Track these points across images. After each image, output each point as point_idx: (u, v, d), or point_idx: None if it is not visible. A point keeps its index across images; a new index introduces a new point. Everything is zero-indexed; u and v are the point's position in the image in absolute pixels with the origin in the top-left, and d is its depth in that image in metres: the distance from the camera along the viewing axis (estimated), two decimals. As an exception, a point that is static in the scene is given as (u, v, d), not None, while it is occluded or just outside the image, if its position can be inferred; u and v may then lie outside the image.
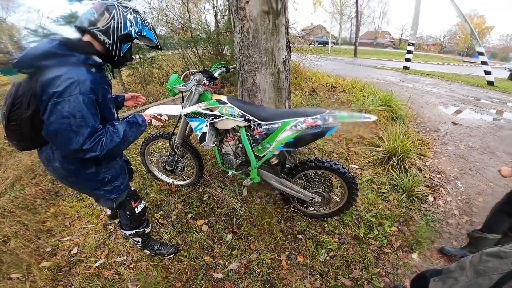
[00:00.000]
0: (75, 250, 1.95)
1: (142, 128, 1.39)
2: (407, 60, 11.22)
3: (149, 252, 1.91)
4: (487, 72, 8.80)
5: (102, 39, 1.12)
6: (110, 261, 1.88)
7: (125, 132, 1.22)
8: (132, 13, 1.19)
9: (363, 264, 1.93)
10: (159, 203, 2.29)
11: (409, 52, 11.21)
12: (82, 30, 1.14)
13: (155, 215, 2.21)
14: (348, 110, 1.94)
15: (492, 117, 4.97)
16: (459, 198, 2.73)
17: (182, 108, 1.89)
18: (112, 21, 1.12)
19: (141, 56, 4.82)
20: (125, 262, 1.90)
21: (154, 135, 2.24)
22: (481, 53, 8.89)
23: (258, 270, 1.86)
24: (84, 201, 2.49)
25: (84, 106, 1.03)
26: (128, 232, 1.70)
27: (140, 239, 1.77)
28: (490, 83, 8.72)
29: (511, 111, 5.49)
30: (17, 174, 2.71)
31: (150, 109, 2.14)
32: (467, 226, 2.37)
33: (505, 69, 19.00)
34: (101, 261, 1.88)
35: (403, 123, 3.29)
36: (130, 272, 1.82)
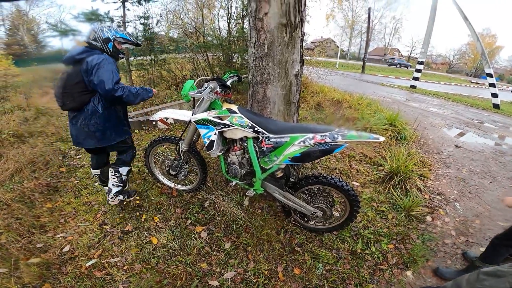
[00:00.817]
0: (67, 248, 1.92)
1: (150, 94, 1.99)
2: (415, 78, 11.23)
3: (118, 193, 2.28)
4: (494, 95, 8.77)
5: (95, 44, 1.89)
6: (102, 262, 1.85)
7: (138, 90, 1.91)
8: (105, 27, 1.94)
9: (358, 279, 1.93)
10: (158, 206, 2.30)
11: (418, 70, 11.19)
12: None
13: (153, 218, 2.22)
14: (356, 129, 1.95)
15: (495, 142, 4.98)
16: (457, 219, 2.73)
17: (192, 114, 1.91)
18: (95, 34, 1.88)
19: (153, 57, 4.87)
20: (118, 264, 1.88)
21: (161, 138, 2.26)
22: (489, 75, 8.86)
23: (254, 280, 1.86)
24: (82, 198, 2.49)
25: (112, 67, 1.81)
26: (125, 170, 2.23)
27: (126, 178, 2.26)
28: (496, 106, 8.71)
29: None
30: (18, 166, 2.71)
31: (160, 112, 2.16)
32: (463, 246, 2.38)
33: (511, 91, 19.04)
34: (93, 261, 1.85)
35: (407, 143, 3.31)
36: (123, 274, 1.80)
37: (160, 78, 5.04)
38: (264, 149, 1.74)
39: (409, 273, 2.05)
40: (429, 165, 3.20)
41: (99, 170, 2.32)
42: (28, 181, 2.53)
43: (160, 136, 2.26)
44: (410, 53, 48.11)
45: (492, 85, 8.78)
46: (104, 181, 2.34)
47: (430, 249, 2.28)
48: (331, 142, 1.60)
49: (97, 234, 2.10)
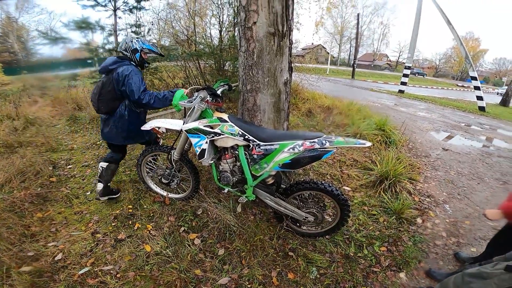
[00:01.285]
0: (59, 256, 1.90)
1: (167, 102, 2.08)
2: (403, 83, 11.52)
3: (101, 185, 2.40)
4: (479, 98, 9.06)
5: (125, 53, 2.15)
6: (95, 269, 1.83)
7: (165, 94, 2.06)
8: (135, 39, 2.17)
9: (352, 282, 1.95)
10: (151, 214, 2.29)
11: (405, 75, 11.51)
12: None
13: (147, 226, 2.21)
14: (344, 136, 2.04)
15: (482, 144, 5.13)
16: (447, 220, 2.80)
17: (184, 124, 1.93)
18: (126, 45, 2.14)
19: (146, 65, 4.88)
20: (111, 271, 1.86)
21: (153, 148, 2.28)
22: (474, 78, 9.18)
23: (249, 286, 1.86)
24: (73, 207, 2.46)
25: (139, 77, 2.05)
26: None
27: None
28: (482, 108, 8.97)
29: (501, 138, 5.68)
30: (7, 176, 2.67)
31: (151, 121, 2.18)
32: (454, 247, 2.43)
33: (497, 94, 19.59)
34: (86, 269, 1.83)
35: (396, 147, 3.40)
36: (116, 282, 1.78)
37: (152, 87, 5.05)
38: (255, 156, 1.77)
39: (402, 274, 2.08)
40: (418, 168, 3.29)
41: (107, 164, 2.40)
42: (18, 191, 2.49)
43: (152, 146, 2.28)
44: (398, 58, 49.33)
45: (477, 88, 9.08)
46: (101, 176, 2.42)
47: (422, 251, 2.33)
48: (319, 148, 1.64)
49: (90, 242, 2.07)
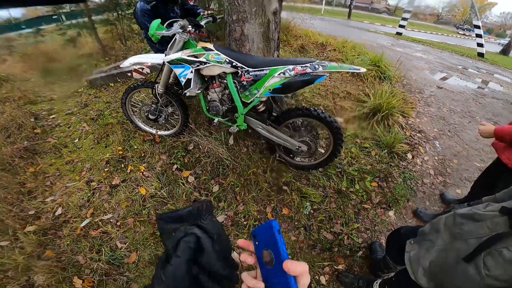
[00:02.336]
0: (59, 211, 1.91)
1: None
2: (401, 26, 10.90)
3: None
4: (480, 44, 8.74)
5: None
6: (96, 220, 1.87)
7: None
8: None
9: (344, 218, 2.03)
10: (143, 154, 2.25)
11: (404, 19, 10.88)
12: None
13: (139, 168, 2.19)
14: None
15: (477, 85, 5.06)
16: (436, 158, 2.86)
17: (166, 56, 1.81)
18: None
19: (120, 12, 4.50)
20: (111, 220, 1.89)
21: (135, 85, 2.15)
22: (477, 26, 8.73)
23: (245, 223, 1.92)
24: (64, 157, 2.41)
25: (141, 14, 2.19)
26: None
27: None
28: (481, 55, 8.70)
29: (497, 82, 5.60)
30: (-10, 134, 2.56)
31: (130, 58, 2.02)
32: (441, 187, 2.52)
33: (498, 44, 18.94)
34: (87, 221, 1.86)
35: (390, 83, 3.30)
36: (118, 230, 1.83)
37: (131, 32, 4.64)
38: (244, 83, 1.72)
39: (391, 213, 2.18)
40: (411, 103, 3.25)
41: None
42: (5, 147, 2.40)
43: (134, 83, 2.14)
44: (398, 2, 46.29)
45: (478, 35, 8.70)
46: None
47: (410, 189, 2.41)
48: (311, 73, 1.60)
49: (86, 192, 2.07)
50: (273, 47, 2.26)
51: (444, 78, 4.99)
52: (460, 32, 27.77)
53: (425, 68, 5.29)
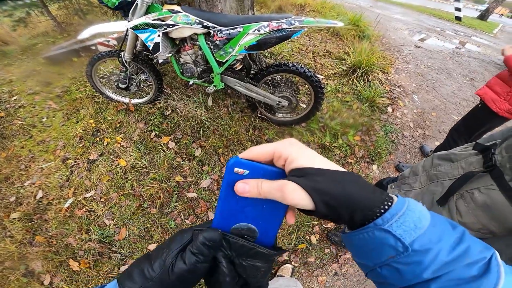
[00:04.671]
0: (40, 194, 1.84)
1: None
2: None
3: None
4: (457, 9, 8.80)
5: None
6: (79, 199, 1.81)
7: None
8: None
9: None
10: (118, 125, 2.14)
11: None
12: None
13: (116, 139, 2.08)
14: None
15: (455, 46, 5.14)
16: (415, 111, 2.92)
17: (128, 22, 1.68)
18: None
19: None
20: (95, 197, 1.83)
21: (99, 55, 1.98)
22: None
23: None
24: (34, 138, 2.26)
25: None
26: None
27: None
28: (458, 18, 8.79)
29: (473, 43, 5.71)
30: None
31: (89, 28, 1.85)
32: (420, 139, 2.60)
33: (476, 9, 19.15)
34: (70, 201, 1.79)
35: (370, 42, 3.27)
36: (103, 207, 1.78)
37: (90, 5, 4.27)
38: (218, 42, 1.65)
39: (374, 167, 2.22)
40: (390, 60, 3.26)
41: None
42: None
43: (98, 53, 1.98)
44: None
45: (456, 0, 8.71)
46: None
47: (392, 142, 2.46)
48: (287, 28, 1.56)
49: (64, 171, 1.97)
50: (247, 6, 2.14)
51: (422, 40, 5.02)
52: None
53: (404, 29, 5.30)
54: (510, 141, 0.71)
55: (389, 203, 0.25)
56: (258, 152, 0.29)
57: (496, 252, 0.26)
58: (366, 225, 0.25)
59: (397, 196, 0.26)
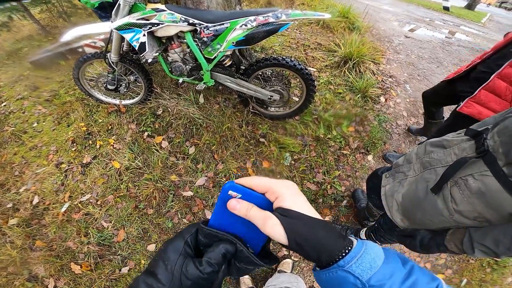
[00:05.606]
0: (36, 200, 1.84)
1: None
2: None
3: None
4: None
5: None
6: (75, 203, 1.81)
7: None
8: None
9: (325, 167, 2.05)
10: (110, 127, 2.11)
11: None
12: None
13: (109, 141, 2.06)
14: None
15: (444, 35, 5.17)
16: (407, 100, 2.94)
17: (112, 23, 1.66)
18: None
19: None
20: (91, 200, 1.83)
21: (85, 57, 1.95)
22: None
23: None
24: (26, 144, 2.24)
25: None
26: None
27: None
28: (446, 8, 8.83)
29: (462, 33, 5.75)
30: None
31: (72, 30, 1.83)
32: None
33: None
34: (66, 205, 1.80)
35: (360, 33, 3.28)
36: (100, 210, 1.78)
37: (74, 7, 4.20)
38: (205, 39, 1.65)
39: (370, 157, 2.22)
40: (381, 51, 3.26)
41: None
42: None
43: (83, 55, 1.95)
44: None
45: None
46: None
47: (386, 131, 2.46)
48: (274, 22, 1.56)
49: (58, 176, 1.97)
50: (234, 2, 2.11)
51: (412, 30, 5.04)
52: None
53: (393, 19, 5.31)
54: (502, 125, 0.69)
55: (350, 247, 0.30)
56: (256, 183, 0.34)
57: (442, 281, 0.30)
58: (331, 265, 0.30)
59: (356, 240, 0.31)
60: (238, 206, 0.33)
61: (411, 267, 0.30)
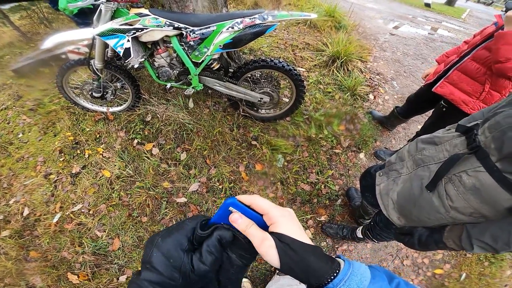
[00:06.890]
0: (26, 211, 1.80)
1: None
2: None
3: None
4: None
5: None
6: (67, 213, 1.77)
7: None
8: None
9: (318, 167, 2.06)
10: (98, 135, 2.06)
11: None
12: None
13: (97, 150, 2.02)
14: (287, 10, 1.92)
15: (427, 32, 5.30)
16: (395, 96, 3.00)
17: (94, 29, 1.62)
18: None
19: None
20: (83, 210, 1.80)
21: (67, 65, 1.89)
22: None
23: (220, 187, 1.88)
24: (13, 155, 2.16)
25: None
26: None
27: None
28: (427, 5, 9.06)
29: (444, 29, 5.92)
30: None
31: (52, 37, 1.76)
32: (403, 124, 2.63)
33: None
34: (58, 216, 1.77)
35: (346, 31, 3.32)
36: (93, 219, 1.75)
37: (55, 13, 4.11)
38: (191, 43, 1.63)
39: (362, 155, 2.24)
40: (367, 49, 3.31)
41: None
42: None
43: (66, 63, 1.89)
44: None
45: None
46: None
47: (376, 128, 2.50)
48: (261, 24, 1.56)
49: (47, 187, 1.93)
50: (220, 4, 2.10)
51: (396, 27, 5.14)
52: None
53: (378, 17, 5.42)
54: (493, 121, 0.69)
55: (338, 270, 0.32)
56: (257, 203, 0.36)
57: None
58: None
59: (344, 261, 0.34)
60: (239, 221, 0.35)
61: (397, 284, 0.33)
